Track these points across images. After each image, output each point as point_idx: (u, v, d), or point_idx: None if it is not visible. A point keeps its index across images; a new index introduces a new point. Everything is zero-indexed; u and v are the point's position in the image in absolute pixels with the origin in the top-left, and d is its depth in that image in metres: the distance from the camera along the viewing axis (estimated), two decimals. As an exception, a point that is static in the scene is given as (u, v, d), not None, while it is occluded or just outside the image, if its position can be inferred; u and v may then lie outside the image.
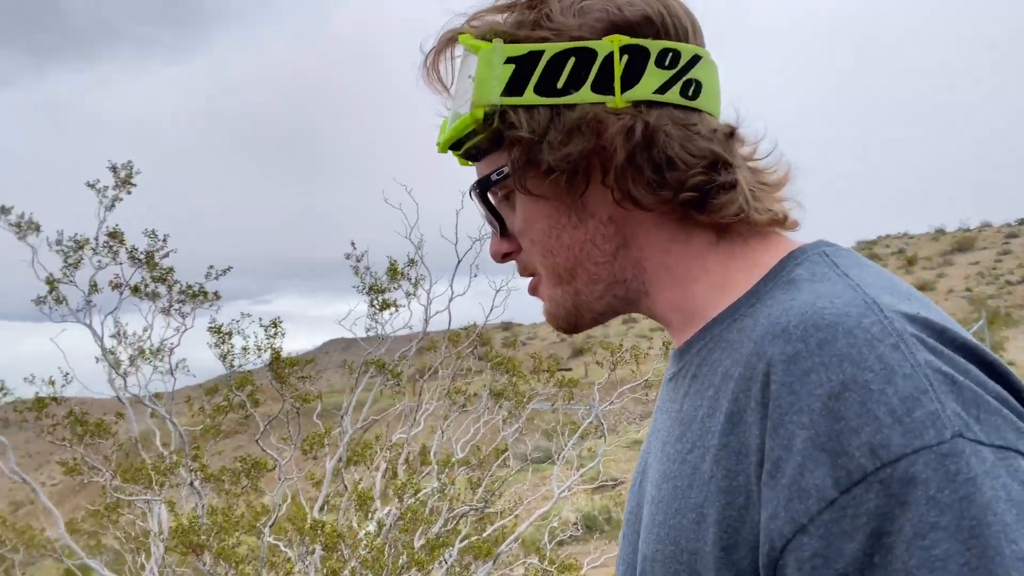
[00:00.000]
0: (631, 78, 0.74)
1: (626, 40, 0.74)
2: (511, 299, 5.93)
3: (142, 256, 5.04)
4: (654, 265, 0.79)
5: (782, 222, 0.78)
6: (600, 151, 0.74)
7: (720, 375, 0.69)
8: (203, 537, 4.21)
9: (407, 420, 5.59)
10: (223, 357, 5.07)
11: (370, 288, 5.19)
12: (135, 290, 5.04)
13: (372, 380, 5.57)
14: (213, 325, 5.13)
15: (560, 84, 0.74)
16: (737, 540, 0.63)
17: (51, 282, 5.18)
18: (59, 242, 5.52)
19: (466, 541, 5.40)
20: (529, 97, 0.74)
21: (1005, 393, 0.61)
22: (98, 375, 5.69)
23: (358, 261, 5.87)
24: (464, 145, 0.79)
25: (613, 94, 0.73)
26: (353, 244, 5.83)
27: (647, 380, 6.51)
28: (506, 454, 6.19)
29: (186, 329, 5.20)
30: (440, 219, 5.37)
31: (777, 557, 0.59)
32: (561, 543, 7.22)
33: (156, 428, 5.81)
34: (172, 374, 5.23)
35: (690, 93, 0.76)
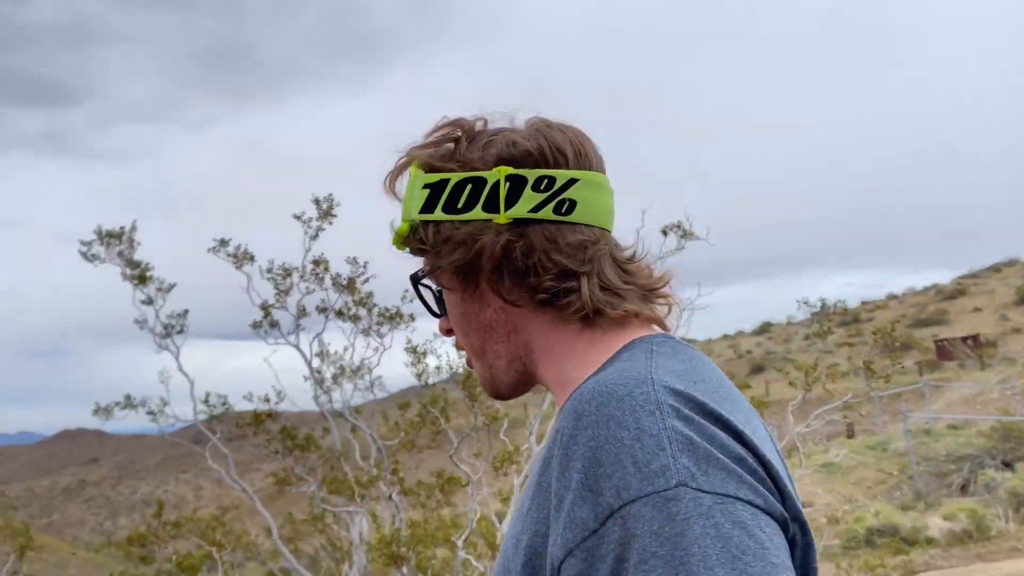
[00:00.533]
0: (512, 200, 0.92)
1: (510, 170, 0.92)
2: (691, 315, 5.82)
3: (345, 282, 5.40)
4: (539, 347, 0.96)
5: (635, 316, 0.94)
6: (475, 261, 0.92)
7: (551, 431, 0.87)
8: (403, 549, 4.42)
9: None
10: (419, 376, 5.31)
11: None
12: (339, 314, 5.40)
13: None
14: (410, 346, 5.40)
15: (460, 204, 0.93)
16: (538, 562, 0.78)
17: (266, 308, 5.65)
18: (270, 270, 6.03)
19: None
20: (438, 215, 0.94)
21: (743, 454, 0.76)
22: (300, 390, 6.14)
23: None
24: (405, 247, 1.01)
25: (498, 212, 0.92)
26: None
27: (846, 402, 6.13)
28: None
29: (385, 349, 5.51)
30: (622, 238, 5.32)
31: (557, 573, 0.74)
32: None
33: (355, 441, 6.17)
34: (372, 391, 5.54)
35: (563, 210, 0.93)
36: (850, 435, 20.59)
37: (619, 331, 0.94)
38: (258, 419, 5.38)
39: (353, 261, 5.56)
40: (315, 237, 5.98)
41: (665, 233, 5.47)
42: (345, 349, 6.01)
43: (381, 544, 4.48)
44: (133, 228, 5.81)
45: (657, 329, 0.97)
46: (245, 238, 5.96)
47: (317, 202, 6.13)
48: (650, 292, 0.97)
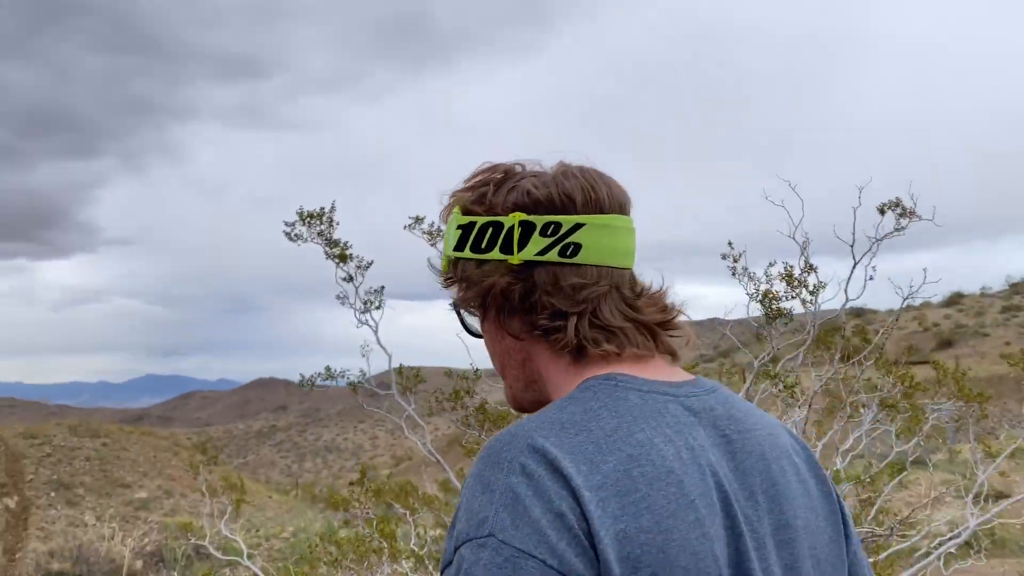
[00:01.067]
0: (523, 243, 1.02)
1: (523, 216, 1.03)
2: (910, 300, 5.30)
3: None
4: (547, 375, 1.08)
5: (616, 356, 1.03)
6: (485, 297, 1.06)
7: None
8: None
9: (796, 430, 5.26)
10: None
11: (764, 296, 4.96)
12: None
13: (755, 385, 5.33)
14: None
15: (483, 245, 1.05)
16: None
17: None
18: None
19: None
20: (466, 253, 1.07)
21: (566, 511, 0.86)
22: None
23: (735, 262, 5.67)
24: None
25: (512, 254, 1.03)
26: (731, 244, 5.65)
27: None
28: (904, 474, 5.59)
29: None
30: (833, 218, 4.95)
31: None
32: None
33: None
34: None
35: (568, 253, 1.03)
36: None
37: (597, 367, 1.04)
38: (457, 395, 5.51)
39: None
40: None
41: (882, 212, 4.98)
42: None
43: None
44: (332, 209, 6.03)
45: (650, 364, 1.06)
46: (421, 200, 6.00)
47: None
48: (657, 327, 1.07)
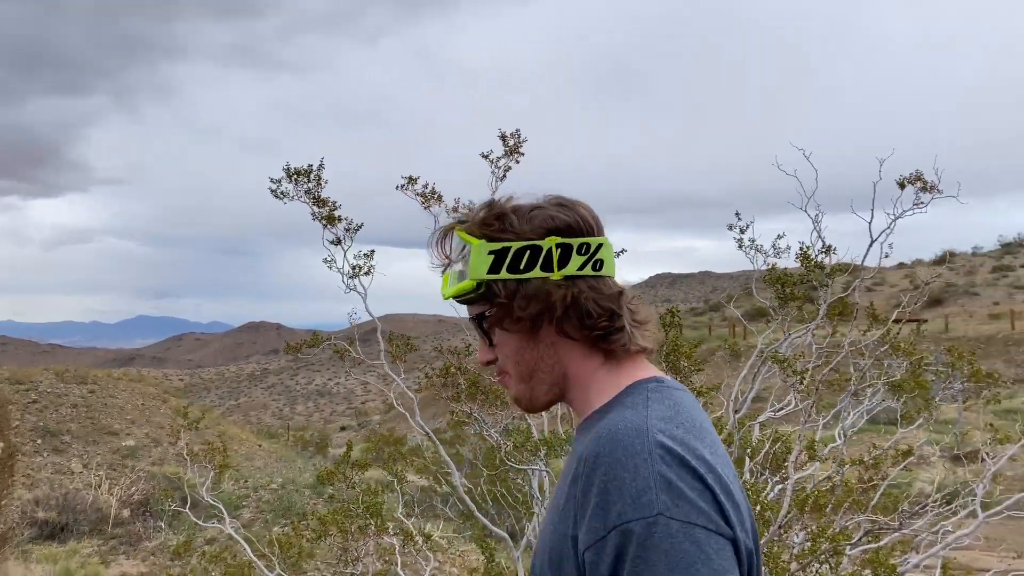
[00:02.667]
0: (563, 262, 1.22)
1: (558, 239, 1.22)
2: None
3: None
4: (572, 376, 1.27)
5: (645, 352, 1.26)
6: (548, 309, 1.22)
7: (576, 454, 1.20)
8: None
9: (803, 416, 5.06)
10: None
11: (777, 279, 4.69)
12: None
13: (764, 370, 5.09)
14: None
15: (521, 266, 1.22)
16: (561, 549, 1.13)
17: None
18: (455, 209, 5.77)
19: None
20: (503, 275, 1.23)
21: (708, 486, 1.07)
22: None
23: (741, 233, 5.41)
24: (461, 298, 1.28)
25: (552, 272, 1.22)
26: (738, 215, 5.36)
27: None
28: (911, 458, 5.41)
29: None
30: (849, 192, 4.66)
31: (582, 559, 1.08)
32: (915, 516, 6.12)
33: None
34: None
35: (597, 267, 1.24)
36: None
37: (629, 368, 1.24)
38: (448, 371, 5.28)
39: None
40: (503, 178, 5.64)
41: (902, 186, 4.70)
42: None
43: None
44: (321, 166, 5.69)
45: (651, 367, 1.27)
46: (418, 156, 5.69)
47: (503, 137, 5.77)
48: (641, 326, 1.26)
